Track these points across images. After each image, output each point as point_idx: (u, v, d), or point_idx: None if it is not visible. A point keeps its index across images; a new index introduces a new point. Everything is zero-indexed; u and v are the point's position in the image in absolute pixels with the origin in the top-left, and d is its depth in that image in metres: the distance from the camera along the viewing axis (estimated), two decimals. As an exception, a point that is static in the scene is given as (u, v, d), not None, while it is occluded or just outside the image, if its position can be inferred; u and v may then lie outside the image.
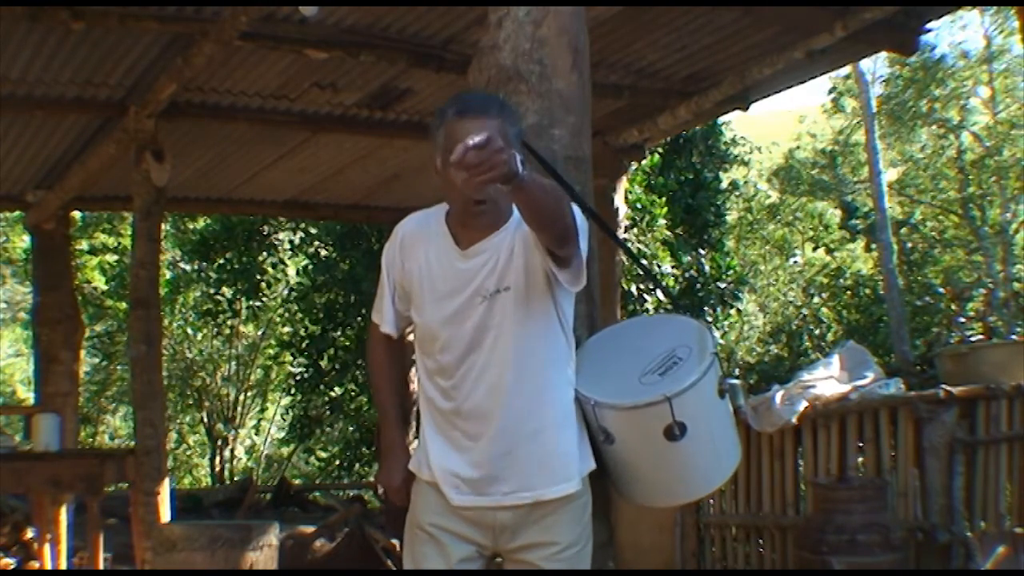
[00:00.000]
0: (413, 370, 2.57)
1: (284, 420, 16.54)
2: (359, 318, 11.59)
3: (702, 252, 11.76)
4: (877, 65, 18.82)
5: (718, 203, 12.76)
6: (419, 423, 2.45)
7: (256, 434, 17.41)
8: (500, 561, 2.43)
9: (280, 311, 14.79)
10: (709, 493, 2.61)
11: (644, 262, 10.07)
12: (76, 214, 9.11)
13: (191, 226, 13.65)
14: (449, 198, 2.33)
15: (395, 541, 6.02)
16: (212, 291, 13.32)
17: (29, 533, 7.00)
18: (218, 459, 15.95)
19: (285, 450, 17.29)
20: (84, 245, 14.14)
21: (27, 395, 16.99)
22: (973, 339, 12.30)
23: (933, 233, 18.51)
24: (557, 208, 2.12)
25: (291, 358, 13.61)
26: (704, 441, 2.40)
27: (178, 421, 16.66)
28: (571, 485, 2.31)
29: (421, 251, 2.37)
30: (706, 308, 11.59)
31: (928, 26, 5.31)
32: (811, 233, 20.57)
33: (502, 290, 2.28)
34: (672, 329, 2.53)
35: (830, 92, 20.18)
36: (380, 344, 2.52)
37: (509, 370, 2.28)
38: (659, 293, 10.15)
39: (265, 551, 4.80)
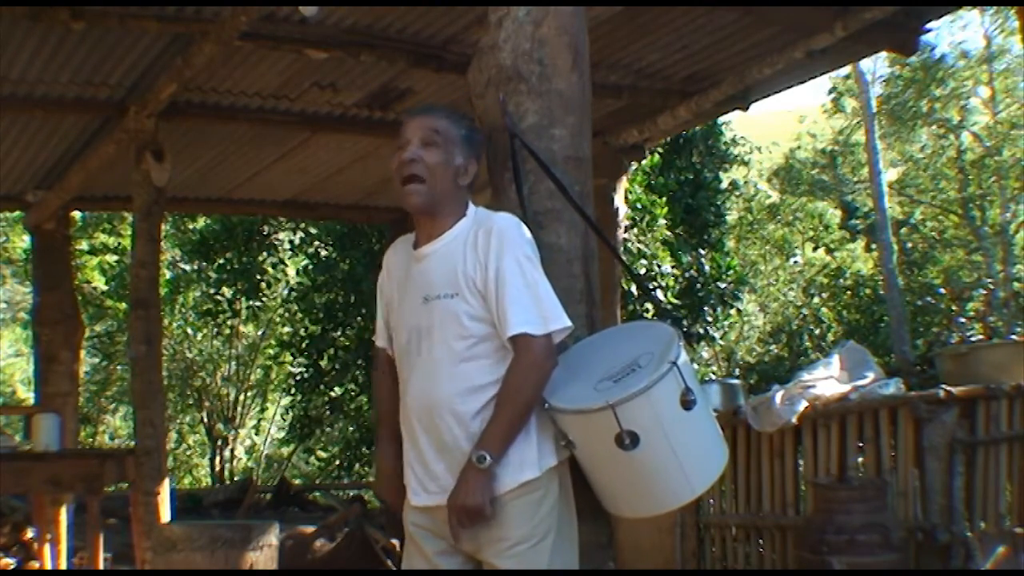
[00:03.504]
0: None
1: (284, 420, 16.54)
2: (359, 318, 11.59)
3: (702, 252, 11.75)
4: (877, 65, 18.87)
5: (718, 203, 12.75)
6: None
7: (256, 434, 17.42)
8: None
9: (280, 311, 14.79)
10: (679, 507, 2.53)
11: (643, 261, 10.07)
12: (76, 214, 9.10)
13: (191, 226, 13.65)
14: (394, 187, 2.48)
15: (395, 541, 6.02)
16: (212, 291, 13.33)
17: (29, 533, 7.00)
18: (218, 459, 15.96)
19: (285, 450, 17.30)
20: (84, 245, 14.14)
21: (27, 395, 17.00)
22: (973, 339, 12.33)
23: (933, 233, 18.52)
24: (524, 421, 2.33)
25: (291, 358, 13.61)
26: (663, 453, 2.32)
27: (178, 421, 16.66)
28: (506, 483, 2.30)
29: (396, 270, 2.54)
30: (706, 308, 11.59)
31: (928, 26, 5.28)
32: (811, 233, 20.57)
33: (442, 296, 2.35)
34: (646, 336, 2.48)
35: (830, 92, 20.20)
36: (380, 357, 2.63)
37: (443, 374, 2.34)
38: (659, 294, 10.12)
39: (265, 551, 4.80)
